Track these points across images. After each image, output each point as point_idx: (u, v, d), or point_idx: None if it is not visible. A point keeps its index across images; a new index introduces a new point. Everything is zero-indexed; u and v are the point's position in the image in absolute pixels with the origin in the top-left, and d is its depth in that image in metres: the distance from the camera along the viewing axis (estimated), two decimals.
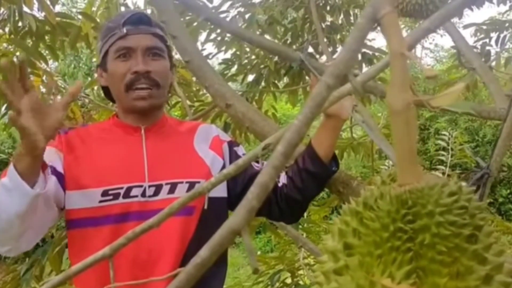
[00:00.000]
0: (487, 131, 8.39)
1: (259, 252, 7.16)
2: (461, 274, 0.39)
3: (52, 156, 1.25)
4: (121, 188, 1.24)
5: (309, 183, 1.33)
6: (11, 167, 1.07)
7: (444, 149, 3.40)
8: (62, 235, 1.96)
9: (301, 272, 2.58)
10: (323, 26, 2.66)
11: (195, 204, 1.25)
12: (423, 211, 0.40)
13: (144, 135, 1.33)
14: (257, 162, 1.37)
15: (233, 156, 1.38)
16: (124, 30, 1.29)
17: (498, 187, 7.95)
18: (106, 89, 1.41)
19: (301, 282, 2.55)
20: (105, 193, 1.23)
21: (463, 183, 0.44)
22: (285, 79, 2.79)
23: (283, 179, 1.37)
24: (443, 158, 3.35)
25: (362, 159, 2.94)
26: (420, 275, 0.39)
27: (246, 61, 2.70)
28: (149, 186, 1.25)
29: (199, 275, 0.38)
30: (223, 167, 1.35)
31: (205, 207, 1.23)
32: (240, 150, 1.42)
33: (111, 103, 2.96)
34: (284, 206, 1.36)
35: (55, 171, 1.24)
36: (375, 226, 0.42)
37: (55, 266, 1.89)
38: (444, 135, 3.45)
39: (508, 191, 8.18)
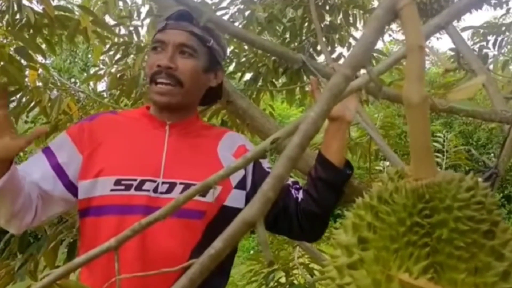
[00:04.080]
0: (481, 135, 8.43)
1: (251, 252, 7.16)
2: (479, 270, 0.38)
3: (68, 156, 1.27)
4: (135, 180, 1.21)
5: (324, 192, 1.28)
6: None
7: (439, 151, 3.41)
8: (57, 231, 1.94)
9: (295, 271, 2.58)
10: (322, 25, 2.65)
11: (205, 209, 1.22)
12: (441, 206, 0.40)
13: (168, 131, 1.31)
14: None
15: (257, 168, 1.33)
16: (164, 24, 1.32)
17: None
18: None
19: (295, 282, 2.54)
20: (117, 183, 1.21)
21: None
22: (283, 78, 2.78)
23: (300, 195, 1.32)
24: (438, 160, 3.36)
25: (358, 160, 2.94)
26: (437, 270, 0.38)
27: (244, 59, 2.68)
28: (163, 183, 1.23)
29: (213, 266, 0.37)
30: (244, 178, 1.31)
31: (213, 200, 1.22)
32: (265, 163, 1.37)
33: (107, 99, 2.95)
34: (304, 223, 1.30)
35: (63, 174, 1.26)
36: (391, 220, 0.41)
37: (49, 261, 1.87)
38: (439, 137, 3.46)
39: (501, 194, 8.23)
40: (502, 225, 0.42)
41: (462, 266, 0.38)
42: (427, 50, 0.44)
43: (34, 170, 1.25)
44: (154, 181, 1.22)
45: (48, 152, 1.29)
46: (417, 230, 0.40)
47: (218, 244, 0.38)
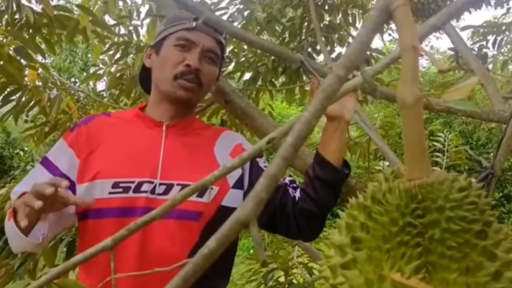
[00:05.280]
0: (481, 134, 8.44)
1: (251, 251, 7.16)
2: (471, 270, 0.38)
3: (69, 162, 1.27)
4: (132, 182, 1.21)
5: (322, 192, 1.28)
6: (11, 220, 1.16)
7: (439, 150, 3.41)
8: None
9: (294, 270, 2.58)
10: (321, 25, 2.65)
11: (203, 210, 1.22)
12: (433, 206, 0.40)
13: (165, 131, 1.31)
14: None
15: (254, 167, 1.34)
16: (194, 24, 1.33)
17: None
18: (143, 74, 1.44)
19: (294, 281, 2.54)
20: (115, 185, 1.21)
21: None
22: (282, 78, 2.78)
23: (298, 194, 1.33)
24: (438, 159, 3.36)
25: (358, 160, 2.94)
26: (429, 270, 0.39)
27: (243, 58, 2.68)
28: (160, 184, 1.22)
29: (207, 266, 0.37)
30: (241, 177, 1.32)
31: (209, 200, 1.22)
32: (262, 162, 1.37)
33: (106, 98, 2.95)
34: (301, 222, 1.30)
35: (71, 183, 1.23)
36: (384, 220, 0.41)
37: (48, 260, 1.88)
38: (440, 137, 3.46)
39: (501, 193, 8.23)
40: (495, 226, 0.42)
41: (454, 266, 0.38)
42: (425, 51, 0.44)
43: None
44: (152, 183, 1.22)
45: (48, 164, 1.28)
46: (410, 230, 0.40)
47: (211, 243, 0.38)
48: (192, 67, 1.29)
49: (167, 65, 1.32)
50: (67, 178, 1.24)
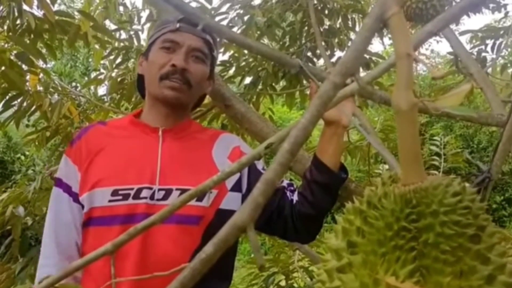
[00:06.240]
0: (482, 138, 8.43)
1: (252, 255, 7.16)
2: (465, 273, 0.39)
3: (71, 175, 1.28)
4: (132, 189, 1.22)
5: (319, 195, 1.29)
6: None
7: (437, 154, 3.40)
8: None
9: (295, 274, 2.58)
10: (321, 29, 2.66)
11: (202, 214, 1.23)
12: (427, 211, 0.41)
13: (161, 136, 1.31)
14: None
15: (252, 170, 1.34)
16: (177, 25, 1.33)
17: (492, 193, 7.98)
18: (139, 81, 1.44)
19: (295, 285, 2.55)
20: (115, 193, 1.21)
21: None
22: (283, 82, 2.79)
23: (295, 197, 1.34)
24: (436, 163, 3.35)
25: (358, 163, 2.94)
26: (423, 274, 0.39)
27: (244, 63, 2.69)
28: (159, 190, 1.23)
29: (205, 270, 0.38)
30: (239, 180, 1.32)
31: (208, 204, 1.23)
32: (260, 164, 1.38)
33: (107, 103, 2.96)
34: (299, 225, 1.32)
35: (70, 192, 1.27)
36: (379, 224, 0.42)
37: None
38: (437, 140, 3.45)
39: (502, 197, 8.23)
40: (489, 230, 0.42)
41: (448, 269, 0.39)
42: (418, 58, 0.45)
43: (62, 212, 1.26)
44: (151, 188, 1.22)
45: (61, 185, 1.29)
46: (404, 234, 0.40)
47: (209, 248, 0.38)
48: (178, 67, 1.29)
49: (154, 68, 1.32)
50: (77, 194, 1.26)
